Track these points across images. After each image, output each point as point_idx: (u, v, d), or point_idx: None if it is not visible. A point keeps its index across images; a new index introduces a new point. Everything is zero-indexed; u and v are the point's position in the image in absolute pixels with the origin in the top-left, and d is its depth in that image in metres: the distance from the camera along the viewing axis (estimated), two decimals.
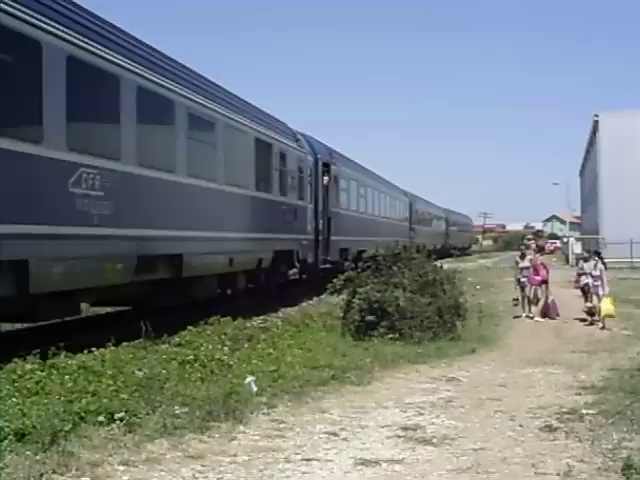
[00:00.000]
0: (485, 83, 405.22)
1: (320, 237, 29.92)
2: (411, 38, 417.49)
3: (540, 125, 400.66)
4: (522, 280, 22.86)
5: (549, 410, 10.16)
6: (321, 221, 30.16)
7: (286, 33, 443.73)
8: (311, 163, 29.46)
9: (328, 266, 30.28)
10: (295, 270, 28.27)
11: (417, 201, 63.32)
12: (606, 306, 20.32)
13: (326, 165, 31.41)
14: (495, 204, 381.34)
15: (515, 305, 22.96)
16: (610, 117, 58.21)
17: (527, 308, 22.63)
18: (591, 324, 20.59)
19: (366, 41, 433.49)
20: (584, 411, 9.94)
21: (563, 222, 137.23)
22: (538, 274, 22.90)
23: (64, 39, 12.55)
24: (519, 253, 24.63)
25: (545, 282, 23.03)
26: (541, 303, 22.78)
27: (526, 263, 23.23)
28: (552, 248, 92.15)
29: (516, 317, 22.20)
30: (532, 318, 22.16)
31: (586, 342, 17.32)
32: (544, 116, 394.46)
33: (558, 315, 22.24)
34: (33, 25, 11.76)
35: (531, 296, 22.71)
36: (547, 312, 22.38)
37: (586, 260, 22.36)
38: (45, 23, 12.04)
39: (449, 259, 63.44)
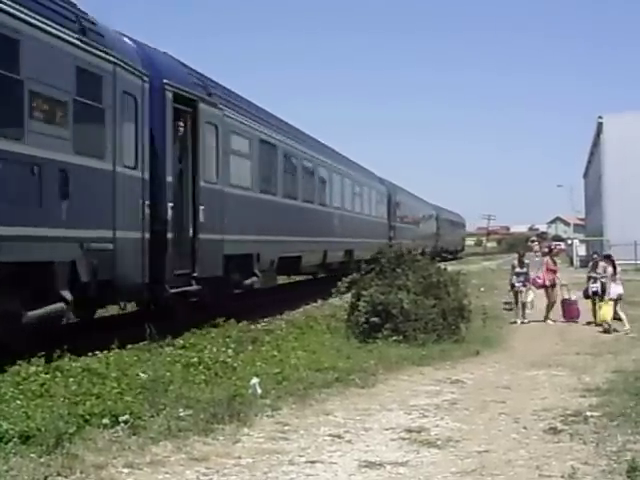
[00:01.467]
0: (487, 85, 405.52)
1: (170, 234, 15.96)
2: (414, 38, 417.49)
3: (544, 127, 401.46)
4: (517, 285, 21.93)
5: (553, 412, 10.14)
6: (170, 205, 16.00)
7: (282, 32, 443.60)
8: (139, 89, 15.31)
9: (193, 288, 17.08)
10: (60, 305, 12.67)
11: (399, 193, 51.74)
12: (605, 309, 19.83)
13: (187, 102, 17.09)
14: (499, 206, 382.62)
15: (509, 309, 22.42)
16: (614, 119, 58.10)
17: (521, 313, 21.81)
18: (605, 331, 19.43)
19: (366, 40, 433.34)
20: (588, 413, 9.92)
21: (567, 224, 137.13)
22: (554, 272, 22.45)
23: None
24: (517, 257, 23.15)
25: (544, 286, 22.22)
26: (552, 305, 22.09)
27: (524, 268, 22.24)
28: (556, 250, 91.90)
29: (512, 323, 21.41)
30: (528, 322, 21.50)
31: (590, 344, 17.27)
32: (548, 118, 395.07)
33: (576, 317, 21.63)
34: None
35: (527, 300, 21.95)
36: (564, 314, 21.81)
37: (596, 264, 21.53)
38: None
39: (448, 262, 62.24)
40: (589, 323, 20.83)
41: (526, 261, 22.46)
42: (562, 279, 23.08)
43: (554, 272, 22.51)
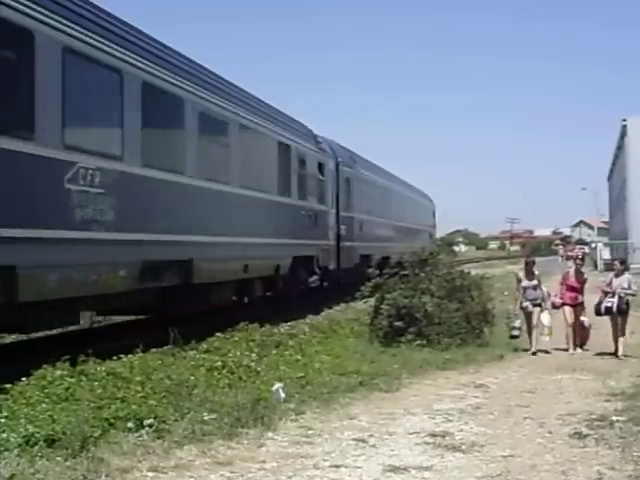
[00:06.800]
0: (510, 88, 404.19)
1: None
2: (439, 37, 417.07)
3: (567, 130, 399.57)
4: (524, 304, 16.92)
5: (578, 417, 10.09)
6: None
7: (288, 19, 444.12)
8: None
9: None
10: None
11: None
12: None
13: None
14: (523, 210, 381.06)
15: (516, 337, 16.98)
16: (638, 121, 57.68)
17: (533, 340, 16.73)
18: None
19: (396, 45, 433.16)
20: (614, 418, 9.87)
21: (591, 227, 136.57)
22: (573, 291, 17.24)
23: None
24: (522, 267, 18.09)
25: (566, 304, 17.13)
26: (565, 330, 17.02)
27: (533, 281, 17.14)
28: (580, 254, 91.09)
29: (519, 350, 16.66)
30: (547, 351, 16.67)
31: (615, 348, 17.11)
32: (572, 121, 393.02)
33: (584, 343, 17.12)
34: None
35: (545, 324, 16.88)
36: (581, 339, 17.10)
37: (618, 274, 16.73)
38: None
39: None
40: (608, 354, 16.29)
41: (536, 272, 17.41)
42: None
43: (577, 290, 17.37)
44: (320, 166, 26.98)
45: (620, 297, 16.18)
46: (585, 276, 17.90)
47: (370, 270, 33.31)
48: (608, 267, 50.30)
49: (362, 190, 33.54)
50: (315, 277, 26.83)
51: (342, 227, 29.40)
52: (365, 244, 33.00)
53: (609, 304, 16.23)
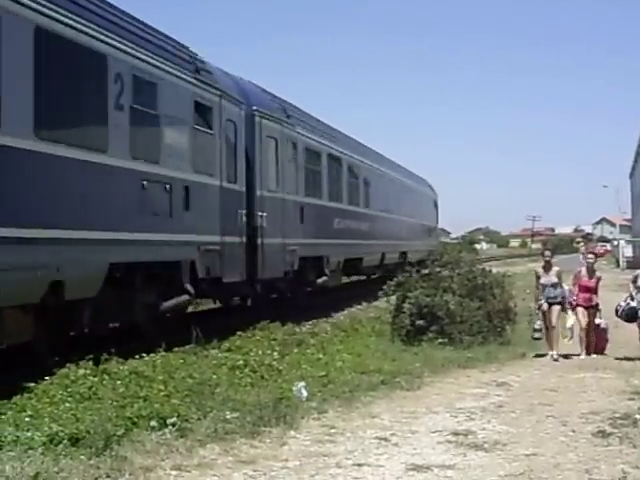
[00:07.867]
0: (533, 86, 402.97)
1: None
2: (454, 38, 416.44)
3: (590, 127, 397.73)
4: (541, 303, 15.83)
5: (602, 415, 10.04)
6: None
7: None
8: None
9: None
10: None
11: None
12: None
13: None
14: (544, 207, 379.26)
15: (538, 339, 15.92)
16: None
17: (554, 344, 15.71)
18: None
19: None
20: (637, 416, 9.81)
21: (613, 225, 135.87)
22: (589, 291, 16.07)
23: None
24: (542, 263, 16.65)
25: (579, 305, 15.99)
26: (577, 333, 16.03)
27: (552, 277, 15.94)
28: (602, 251, 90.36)
29: (539, 356, 15.75)
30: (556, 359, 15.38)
31: (638, 346, 16.98)
32: (594, 118, 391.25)
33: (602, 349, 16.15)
34: None
35: (567, 326, 16.01)
36: (597, 344, 16.08)
37: None
38: None
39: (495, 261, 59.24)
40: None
41: (555, 268, 16.24)
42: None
43: (591, 290, 16.18)
44: (203, 110, 16.19)
45: (632, 298, 15.33)
46: (598, 274, 16.61)
47: (323, 279, 23.92)
48: (630, 265, 50.11)
49: (304, 160, 22.90)
50: (183, 298, 15.35)
51: (261, 215, 18.93)
52: (310, 241, 22.52)
53: (619, 308, 15.50)
